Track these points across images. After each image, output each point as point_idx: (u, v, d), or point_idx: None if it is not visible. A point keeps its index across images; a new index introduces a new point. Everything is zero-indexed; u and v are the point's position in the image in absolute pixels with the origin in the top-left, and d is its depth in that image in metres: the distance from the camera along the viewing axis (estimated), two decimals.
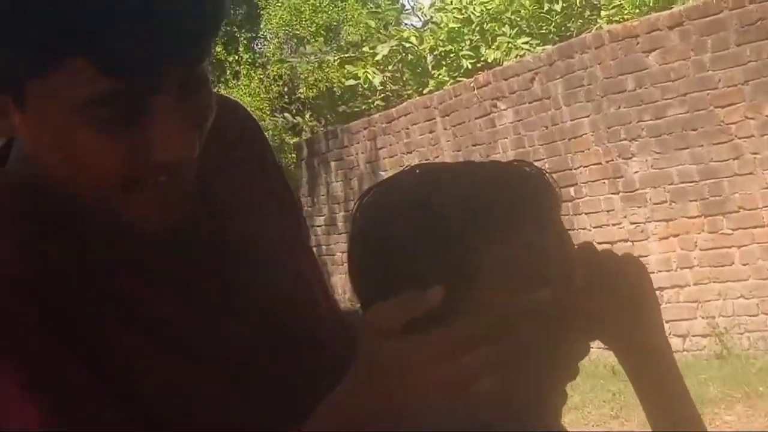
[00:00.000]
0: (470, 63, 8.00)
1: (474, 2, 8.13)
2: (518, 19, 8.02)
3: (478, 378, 0.60)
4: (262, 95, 10.57)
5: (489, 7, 8.06)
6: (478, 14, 8.15)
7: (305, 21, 10.92)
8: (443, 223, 0.71)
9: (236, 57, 10.54)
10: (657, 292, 0.82)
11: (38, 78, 0.64)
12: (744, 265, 5.21)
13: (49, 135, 0.68)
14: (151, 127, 0.66)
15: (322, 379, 0.72)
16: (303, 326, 0.81)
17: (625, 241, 5.73)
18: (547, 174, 0.75)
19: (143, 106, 0.65)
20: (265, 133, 0.95)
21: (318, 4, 11.35)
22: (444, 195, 0.72)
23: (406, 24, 11.26)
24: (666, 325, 0.87)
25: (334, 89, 10.59)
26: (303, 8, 10.89)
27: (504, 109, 6.61)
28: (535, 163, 0.78)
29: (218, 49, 9.57)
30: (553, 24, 7.90)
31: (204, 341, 0.75)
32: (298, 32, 10.99)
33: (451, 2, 8.60)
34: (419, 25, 10.38)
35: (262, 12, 11.21)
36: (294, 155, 9.45)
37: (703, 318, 5.41)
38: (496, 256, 0.70)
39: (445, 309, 0.60)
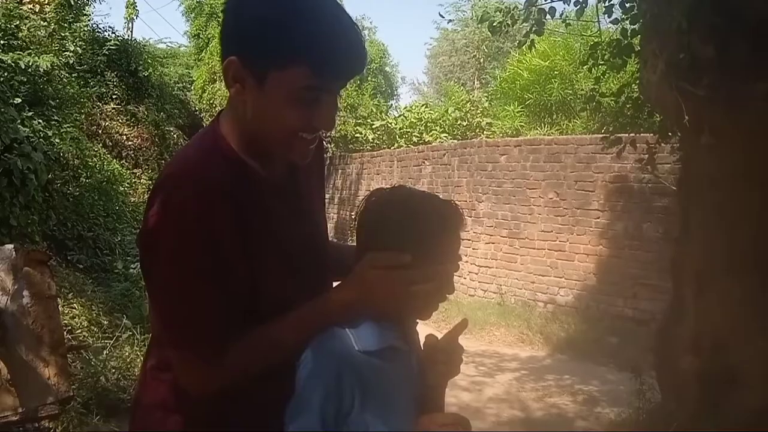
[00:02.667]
0: (416, 139, 11.36)
1: (421, 112, 12.05)
2: (443, 121, 11.56)
3: (408, 297, 0.89)
4: None
5: (426, 117, 11.80)
6: (421, 119, 11.82)
7: (342, 103, 11.15)
8: (410, 220, 0.92)
9: None
10: None
11: (278, 70, 0.83)
12: None
13: (269, 103, 0.86)
14: (322, 108, 0.87)
15: (327, 273, 1.01)
16: (323, 244, 1.08)
17: None
18: (460, 207, 0.97)
19: (323, 95, 0.86)
20: None
21: (348, 95, 13.00)
22: (415, 205, 0.94)
23: (390, 112, 15.29)
24: None
25: (347, 135, 12.42)
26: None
27: (428, 166, 8.85)
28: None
29: None
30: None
31: (292, 235, 0.97)
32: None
33: (410, 110, 12.70)
34: (396, 114, 14.20)
35: None
36: None
37: None
38: (432, 242, 0.92)
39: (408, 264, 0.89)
